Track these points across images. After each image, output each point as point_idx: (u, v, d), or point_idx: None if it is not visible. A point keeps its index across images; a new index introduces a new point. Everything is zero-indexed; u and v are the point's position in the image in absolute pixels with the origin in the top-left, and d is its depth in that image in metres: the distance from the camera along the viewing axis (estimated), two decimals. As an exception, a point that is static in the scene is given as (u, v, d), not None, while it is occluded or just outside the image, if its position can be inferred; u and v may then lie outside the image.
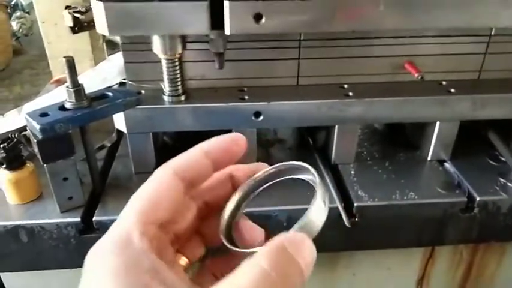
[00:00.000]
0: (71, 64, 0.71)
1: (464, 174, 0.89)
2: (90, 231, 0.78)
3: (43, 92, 1.20)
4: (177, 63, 0.79)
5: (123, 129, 0.83)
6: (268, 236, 0.42)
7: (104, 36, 1.17)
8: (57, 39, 1.23)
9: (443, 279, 1.10)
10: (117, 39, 0.94)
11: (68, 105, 0.73)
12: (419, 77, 0.84)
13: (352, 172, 0.90)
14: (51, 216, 0.77)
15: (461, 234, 0.87)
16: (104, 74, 0.97)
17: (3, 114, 1.08)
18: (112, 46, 1.20)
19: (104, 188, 0.84)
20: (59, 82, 1.21)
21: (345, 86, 0.88)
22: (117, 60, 1.00)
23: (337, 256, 1.00)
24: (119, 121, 0.82)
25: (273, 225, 0.81)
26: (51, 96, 1.01)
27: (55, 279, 0.92)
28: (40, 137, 0.68)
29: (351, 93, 0.85)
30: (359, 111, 0.84)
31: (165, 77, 0.81)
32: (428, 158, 0.94)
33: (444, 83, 0.90)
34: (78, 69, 0.73)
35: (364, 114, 0.85)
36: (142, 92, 0.84)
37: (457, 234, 0.87)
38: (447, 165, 0.93)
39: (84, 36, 1.27)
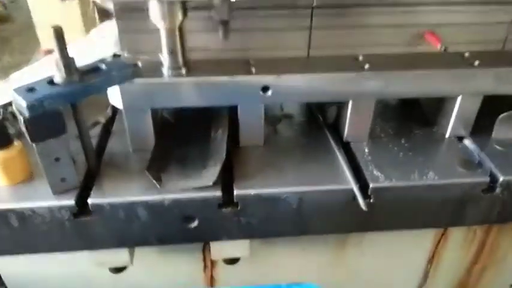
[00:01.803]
0: (59, 34, 0.63)
1: (486, 152, 0.83)
2: (85, 214, 0.72)
3: (32, 61, 1.11)
4: (177, 33, 0.72)
5: (119, 105, 0.76)
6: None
7: (94, 2, 1.07)
8: (45, 6, 1.14)
9: (454, 259, 1.06)
10: (110, 6, 0.85)
11: (57, 79, 0.66)
12: (443, 48, 0.77)
13: (366, 150, 0.84)
14: (43, 199, 0.71)
15: (481, 215, 0.82)
16: (96, 44, 0.89)
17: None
18: (104, 14, 1.11)
19: (100, 168, 0.77)
20: (49, 52, 1.12)
21: (360, 57, 0.81)
22: (110, 29, 0.92)
23: (346, 235, 0.96)
24: (114, 96, 0.75)
25: (283, 208, 0.76)
26: (41, 66, 0.94)
27: (51, 262, 0.87)
28: (28, 114, 0.61)
29: (366, 66, 0.78)
30: (376, 86, 0.78)
31: (164, 48, 0.73)
32: (447, 135, 0.88)
33: (467, 54, 0.83)
34: (67, 39, 0.66)
35: (381, 88, 0.78)
36: (139, 64, 0.77)
37: (476, 216, 0.82)
38: (466, 142, 0.88)
39: (74, 3, 1.18)
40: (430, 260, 1.06)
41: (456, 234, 1.01)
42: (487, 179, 0.78)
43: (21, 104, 0.61)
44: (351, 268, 1.03)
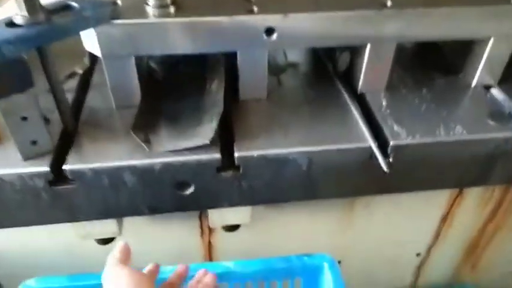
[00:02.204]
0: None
1: (517, 102, 0.74)
2: (63, 182, 0.62)
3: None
4: (162, -40, 0.59)
5: (96, 52, 0.64)
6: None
7: None
8: None
9: (469, 218, 1.00)
10: None
11: (18, 20, 0.54)
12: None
13: (384, 103, 0.74)
14: (13, 165, 0.60)
15: (510, 174, 0.74)
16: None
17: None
18: None
19: (78, 128, 0.67)
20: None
21: (380, -8, 0.69)
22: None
23: (355, 197, 0.88)
24: (90, 41, 0.63)
25: (291, 170, 0.66)
26: (5, 12, 0.80)
27: (31, 235, 0.78)
28: (-19, 63, 0.50)
29: (389, 2, 0.66)
30: (399, 26, 0.66)
31: (148, -21, 0.60)
32: (473, 84, 0.78)
33: (502, -12, 0.71)
34: None
35: (405, 30, 0.67)
36: (118, 1, 0.64)
37: (504, 174, 0.74)
38: (494, 91, 0.78)
39: None
40: (444, 219, 0.99)
41: (473, 193, 0.93)
42: (521, 133, 0.69)
43: (-27, 51, 0.50)
44: (360, 231, 0.96)
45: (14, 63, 0.53)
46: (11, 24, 0.54)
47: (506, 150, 0.70)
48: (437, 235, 1.04)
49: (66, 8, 0.58)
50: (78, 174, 0.61)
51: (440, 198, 0.93)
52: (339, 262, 1.02)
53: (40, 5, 0.55)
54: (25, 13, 0.53)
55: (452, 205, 0.95)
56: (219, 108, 0.66)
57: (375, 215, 0.93)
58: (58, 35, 0.56)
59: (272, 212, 0.86)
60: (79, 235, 0.73)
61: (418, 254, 1.09)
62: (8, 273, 0.87)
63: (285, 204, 0.83)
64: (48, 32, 0.54)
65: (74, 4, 0.58)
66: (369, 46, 0.69)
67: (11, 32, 0.52)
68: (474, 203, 0.96)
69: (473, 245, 1.09)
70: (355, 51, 0.74)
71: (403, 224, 0.98)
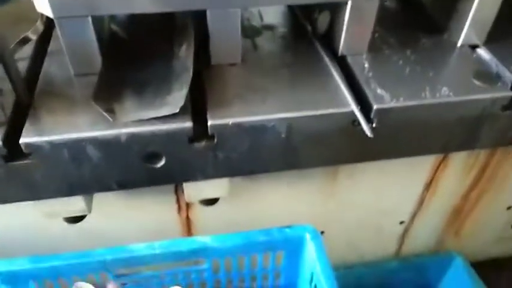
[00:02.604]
0: None
1: (504, 62, 0.70)
2: (20, 157, 0.56)
3: None
4: None
5: (48, 12, 0.57)
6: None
7: None
8: None
9: (453, 184, 0.98)
10: None
11: None
12: None
13: (366, 65, 0.69)
14: (-39, 139, 0.54)
15: (497, 136, 0.71)
16: None
17: None
18: None
19: (33, 98, 0.60)
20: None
21: None
22: None
23: (337, 166, 0.85)
24: (41, 0, 0.56)
25: (270, 139, 0.62)
26: None
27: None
28: None
29: (371, -48, 0.61)
30: (382, -22, 0.61)
31: None
32: (459, 43, 0.74)
33: None
34: None
35: (388, -18, 0.62)
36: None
37: (491, 137, 0.71)
38: (481, 51, 0.74)
39: None
40: (427, 187, 0.97)
41: (457, 158, 0.91)
42: (508, 93, 0.66)
43: None
44: (343, 200, 0.93)
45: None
46: None
47: (493, 112, 0.67)
48: (421, 202, 1.02)
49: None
50: (35, 148, 0.55)
51: (424, 165, 0.91)
52: (322, 233, 1.00)
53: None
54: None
55: (435, 172, 0.93)
56: (188, 74, 0.60)
57: (358, 183, 0.91)
58: (0, -9, 0.49)
59: (251, 184, 0.82)
60: (45, 214, 0.68)
61: (401, 222, 1.08)
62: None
63: (264, 175, 0.79)
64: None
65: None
66: (349, 4, 0.64)
67: None
68: (458, 168, 0.94)
69: (457, 212, 1.08)
70: (335, 10, 0.69)
71: (387, 193, 0.96)
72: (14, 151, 0.56)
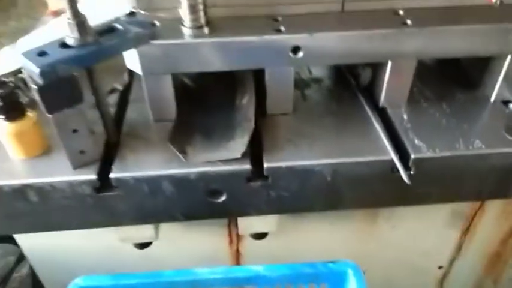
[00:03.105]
0: (68, -12, 0.56)
1: (536, 117, 0.76)
2: (108, 189, 0.68)
3: (39, 25, 1.04)
4: (198, -15, 0.64)
5: (137, 70, 0.69)
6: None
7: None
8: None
9: (490, 229, 1.01)
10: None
11: (70, 41, 0.59)
12: (498, 1, 0.68)
13: (405, 117, 0.77)
14: (63, 173, 0.66)
15: (530, 187, 0.76)
16: (108, 1, 0.81)
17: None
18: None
19: (120, 139, 0.72)
20: (57, 14, 1.05)
21: (401, 12, 0.73)
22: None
23: (377, 209, 0.91)
24: (132, 60, 0.69)
25: (316, 181, 0.70)
26: (48, 30, 0.87)
27: (74, 238, 0.84)
28: (41, 82, 0.56)
29: (409, 21, 0.70)
30: (419, 44, 0.70)
31: (184, 2, 0.66)
32: (492, 99, 0.81)
33: (519, 7, 0.74)
34: None
35: (425, 47, 0.70)
36: (157, 23, 0.70)
37: (524, 187, 0.76)
38: (514, 107, 0.80)
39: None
40: (465, 233, 1.01)
41: (494, 206, 0.95)
42: (539, 147, 0.71)
43: (32, 70, 0.56)
44: (381, 242, 0.98)
45: (67, 80, 0.59)
46: (64, 45, 0.60)
47: (525, 164, 0.72)
48: (459, 248, 1.05)
49: (112, 30, 0.63)
50: (122, 182, 0.66)
51: (461, 211, 0.95)
52: (363, 272, 1.04)
53: (89, 27, 0.60)
54: (76, 35, 0.59)
55: (473, 218, 0.97)
56: (250, 124, 0.71)
57: (397, 227, 0.96)
58: (105, 55, 0.61)
59: (297, 221, 0.90)
60: (119, 239, 0.78)
61: (440, 267, 1.10)
62: (49, 275, 0.93)
63: (309, 214, 0.87)
64: (96, 52, 0.60)
65: (118, 26, 0.64)
66: (390, 63, 0.73)
67: (64, 53, 0.58)
68: (495, 215, 0.97)
69: (496, 259, 1.10)
70: (377, 67, 0.78)
71: (425, 237, 1.00)
72: (104, 184, 0.67)
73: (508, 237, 1.04)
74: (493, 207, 0.95)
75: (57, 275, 0.87)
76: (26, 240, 0.86)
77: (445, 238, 1.02)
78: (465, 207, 0.94)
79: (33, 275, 1.18)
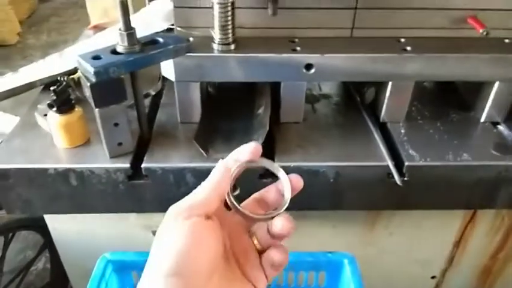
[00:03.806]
0: (124, 5, 0.68)
1: (520, 137, 0.85)
2: (138, 177, 0.78)
3: (82, 37, 1.18)
4: (229, 8, 0.76)
5: (171, 77, 0.81)
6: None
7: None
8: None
9: (481, 243, 1.09)
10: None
11: (120, 49, 0.71)
12: (484, 33, 0.79)
13: (403, 131, 0.87)
14: (101, 161, 0.77)
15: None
16: (148, 19, 0.94)
17: (32, 61, 1.06)
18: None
19: (151, 136, 0.83)
20: (97, 28, 1.18)
21: (402, 40, 0.84)
22: (161, 4, 0.97)
23: (376, 215, 1.00)
24: (167, 68, 0.80)
25: (320, 181, 0.80)
26: (94, 42, 0.99)
27: (98, 221, 0.93)
28: (94, 80, 0.67)
29: (409, 48, 0.81)
30: (417, 68, 0.80)
31: (216, 23, 0.77)
32: (482, 119, 0.90)
33: (507, 41, 0.85)
34: (115, 18, 0.71)
35: (422, 70, 0.81)
36: (191, 39, 0.82)
37: (508, 198, 0.84)
38: (501, 127, 0.90)
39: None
40: (457, 244, 1.08)
41: (484, 220, 1.03)
42: (520, 162, 0.80)
43: (88, 70, 0.67)
44: (379, 247, 1.06)
45: (115, 81, 0.70)
46: (114, 52, 0.71)
47: (508, 177, 0.81)
48: (451, 259, 1.12)
49: (154, 41, 0.75)
50: (151, 171, 0.77)
51: (453, 223, 1.03)
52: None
53: (137, 38, 0.72)
54: (126, 44, 0.70)
55: (464, 230, 1.05)
56: (265, 130, 0.81)
57: (394, 234, 1.04)
58: (148, 62, 0.73)
59: (300, 221, 0.98)
60: (142, 226, 0.88)
61: (433, 277, 1.17)
62: (71, 257, 1.02)
63: (311, 214, 0.96)
64: (141, 59, 0.71)
65: (160, 39, 0.75)
66: (391, 83, 0.83)
67: (115, 58, 0.69)
68: (485, 229, 1.05)
69: (487, 272, 1.16)
70: (380, 86, 0.89)
71: (420, 247, 1.07)
72: (136, 173, 0.77)
73: (498, 251, 1.11)
74: (482, 222, 1.03)
75: (78, 258, 0.95)
76: (56, 224, 0.95)
77: (438, 249, 1.10)
78: (457, 220, 1.02)
79: (51, 267, 1.27)
